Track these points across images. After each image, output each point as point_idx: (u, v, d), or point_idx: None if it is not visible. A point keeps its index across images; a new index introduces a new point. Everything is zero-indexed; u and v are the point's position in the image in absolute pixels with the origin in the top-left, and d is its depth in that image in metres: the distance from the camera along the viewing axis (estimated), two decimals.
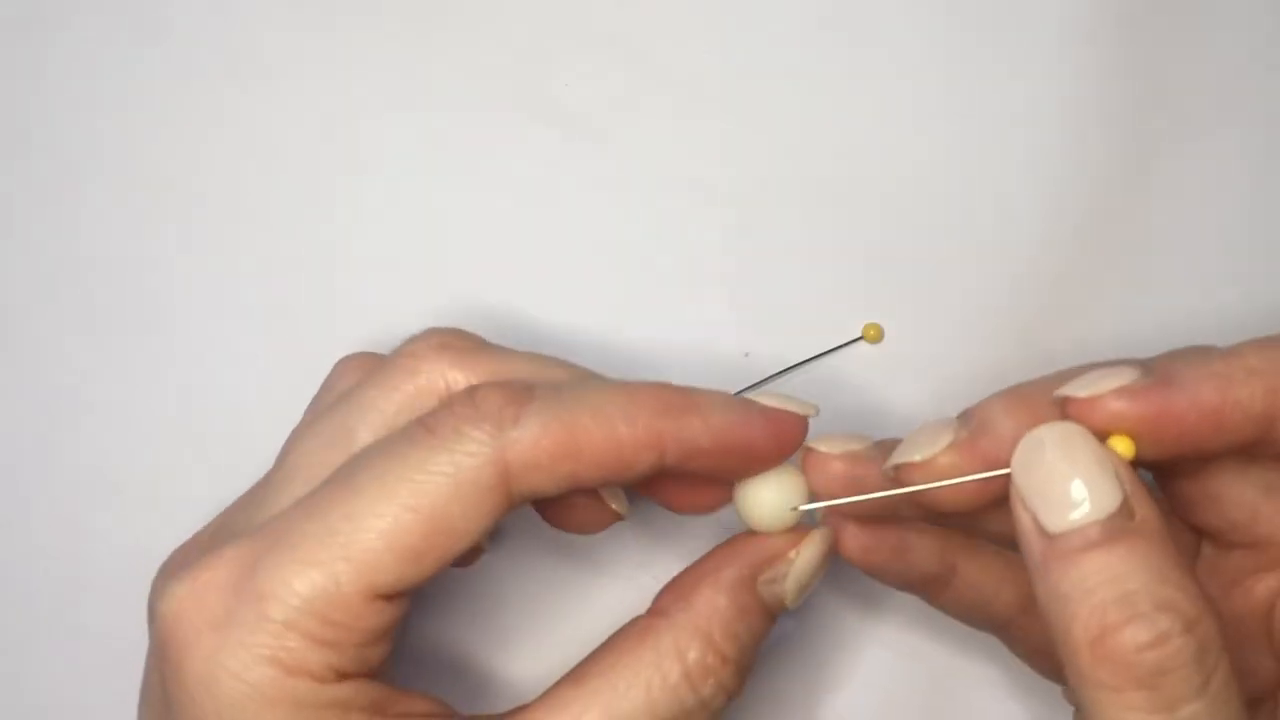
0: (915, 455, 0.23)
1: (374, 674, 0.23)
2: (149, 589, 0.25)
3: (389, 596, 0.22)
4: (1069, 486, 0.21)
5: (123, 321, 0.33)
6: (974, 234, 0.32)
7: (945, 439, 0.23)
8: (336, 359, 0.31)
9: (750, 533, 0.25)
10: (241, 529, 0.24)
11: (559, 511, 0.27)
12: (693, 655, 0.23)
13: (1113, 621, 0.20)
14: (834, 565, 0.30)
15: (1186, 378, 0.22)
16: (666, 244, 0.33)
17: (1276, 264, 0.32)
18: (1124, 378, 0.22)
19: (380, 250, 0.33)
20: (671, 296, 0.32)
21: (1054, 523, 0.21)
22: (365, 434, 0.25)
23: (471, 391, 0.23)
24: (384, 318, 0.32)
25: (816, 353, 0.31)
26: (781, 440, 0.25)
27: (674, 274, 0.33)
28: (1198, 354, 0.23)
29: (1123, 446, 0.22)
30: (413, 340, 0.26)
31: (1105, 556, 0.21)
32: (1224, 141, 0.33)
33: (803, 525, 0.25)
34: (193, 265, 0.33)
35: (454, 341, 0.26)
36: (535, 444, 0.23)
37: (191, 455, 0.32)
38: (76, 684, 0.31)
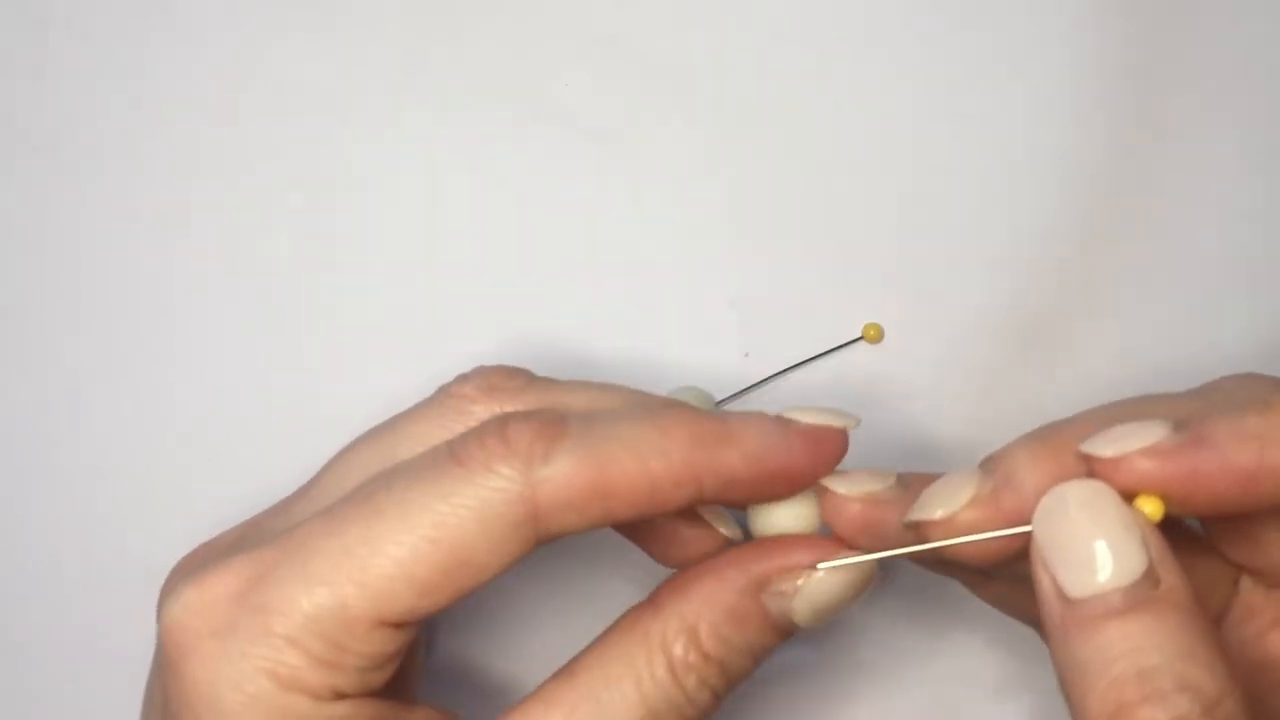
0: (936, 512, 0.22)
1: (377, 693, 0.23)
2: (161, 588, 0.25)
3: (396, 625, 0.22)
4: (1092, 550, 0.20)
5: (125, 322, 0.33)
6: (974, 234, 0.32)
7: (967, 494, 0.22)
8: (335, 357, 0.31)
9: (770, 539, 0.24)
10: (260, 539, 0.23)
11: (663, 546, 0.26)
12: (677, 650, 0.23)
13: (1130, 698, 0.19)
14: None
15: (1219, 437, 0.21)
16: (666, 244, 0.33)
17: (1276, 264, 0.32)
18: (1152, 435, 0.21)
19: (380, 249, 0.33)
20: (672, 296, 0.32)
21: (1074, 587, 0.20)
22: None
23: (503, 424, 0.23)
24: (384, 317, 0.32)
25: (816, 353, 0.31)
26: (820, 459, 0.24)
27: (674, 274, 0.33)
28: (1232, 407, 0.21)
29: (1150, 507, 0.21)
30: (464, 379, 0.25)
31: (1127, 626, 0.20)
32: (1224, 141, 0.33)
33: (828, 540, 0.24)
34: (195, 267, 0.33)
35: (504, 383, 0.25)
36: (567, 484, 0.22)
37: (194, 458, 0.32)
38: (74, 685, 0.31)
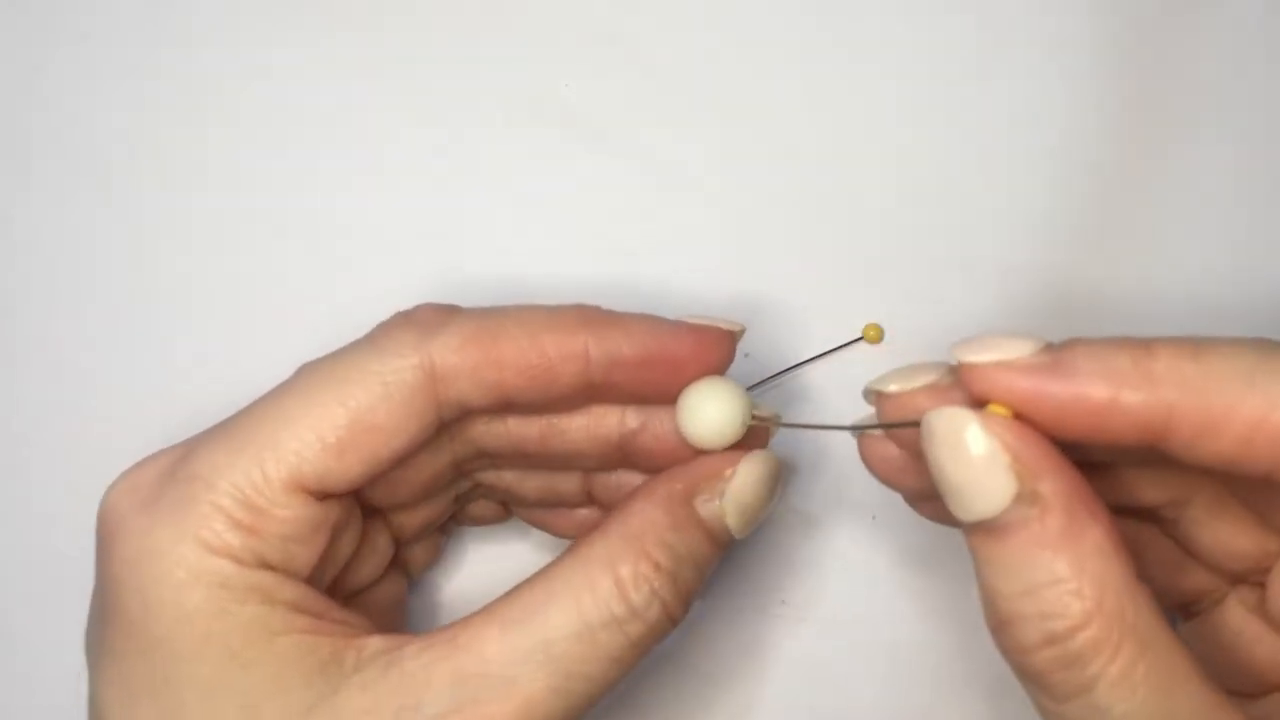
0: (890, 386, 0.23)
1: (307, 578, 0.23)
2: None
3: (313, 491, 0.23)
4: (959, 484, 0.20)
5: (125, 318, 0.33)
6: (974, 234, 0.32)
7: (929, 377, 0.22)
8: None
9: (698, 455, 0.25)
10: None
11: (553, 520, 0.28)
12: (624, 566, 0.23)
13: (992, 622, 0.21)
14: (835, 550, 0.30)
15: (1081, 367, 0.20)
16: (666, 244, 0.33)
17: (1276, 263, 0.32)
18: (1015, 351, 0.21)
19: (382, 249, 0.33)
20: (672, 297, 0.32)
21: (958, 512, 0.21)
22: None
23: (405, 310, 0.25)
24: (385, 316, 0.32)
25: (816, 353, 0.31)
26: (705, 353, 0.25)
27: (674, 274, 0.33)
28: (1108, 346, 0.21)
29: (1001, 411, 0.21)
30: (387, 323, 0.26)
31: (1001, 549, 0.20)
32: (1224, 141, 0.33)
33: (751, 445, 0.25)
34: (197, 265, 0.33)
35: (424, 315, 0.25)
36: (460, 348, 0.23)
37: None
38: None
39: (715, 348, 0.25)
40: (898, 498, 0.30)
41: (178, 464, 0.23)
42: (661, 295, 0.32)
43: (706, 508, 0.24)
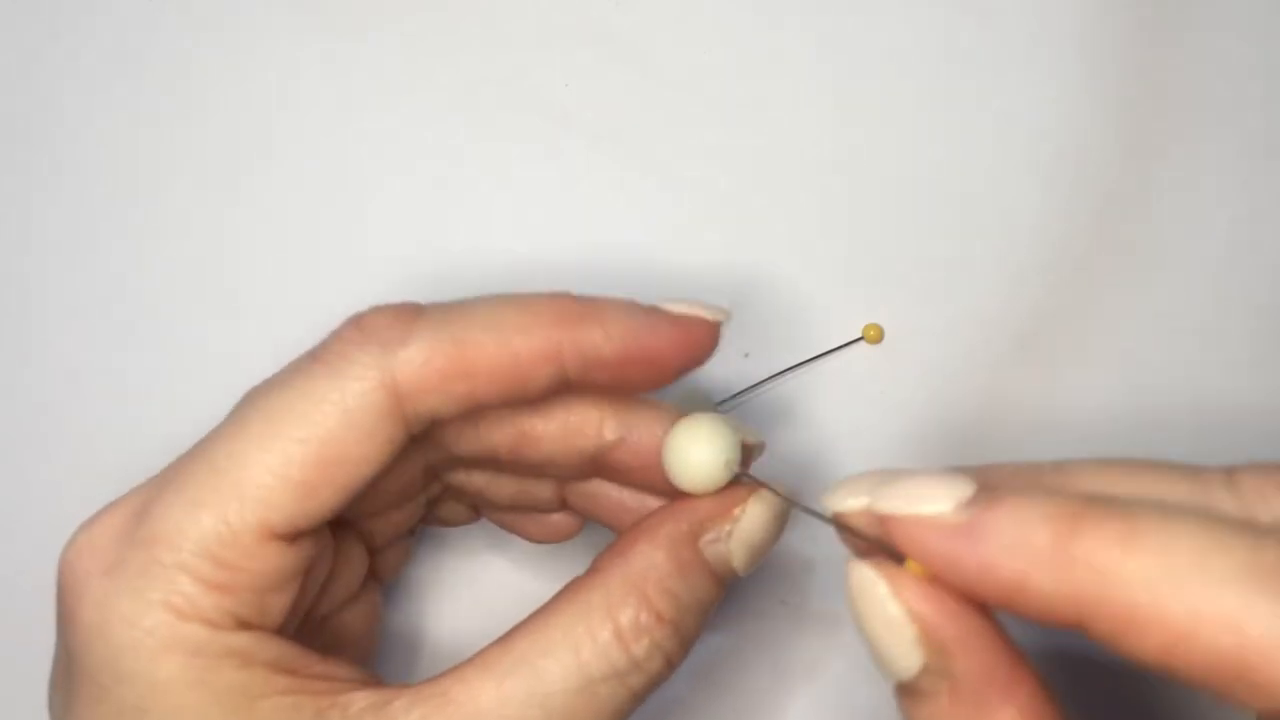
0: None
1: (281, 629, 0.22)
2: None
3: (285, 536, 0.21)
4: (870, 641, 0.20)
5: (120, 317, 0.33)
6: (974, 234, 0.32)
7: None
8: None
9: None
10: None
11: (523, 525, 0.27)
12: (625, 614, 0.22)
13: None
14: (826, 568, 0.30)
15: (996, 537, 0.18)
16: (666, 244, 0.33)
17: (1275, 264, 0.32)
18: (937, 505, 0.19)
19: (380, 249, 0.33)
20: (671, 297, 0.32)
21: (879, 668, 0.20)
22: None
23: (358, 317, 0.22)
24: None
25: (816, 353, 0.31)
26: (690, 348, 0.23)
27: (673, 274, 0.33)
28: (1034, 512, 0.18)
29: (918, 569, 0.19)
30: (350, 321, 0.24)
31: (915, 709, 0.19)
32: (1224, 143, 0.33)
33: (746, 483, 0.24)
34: (194, 264, 0.33)
35: (379, 326, 0.24)
36: (426, 363, 0.22)
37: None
38: None
39: (699, 339, 0.23)
40: None
41: (136, 523, 0.21)
42: (660, 295, 0.32)
43: (712, 549, 0.23)
